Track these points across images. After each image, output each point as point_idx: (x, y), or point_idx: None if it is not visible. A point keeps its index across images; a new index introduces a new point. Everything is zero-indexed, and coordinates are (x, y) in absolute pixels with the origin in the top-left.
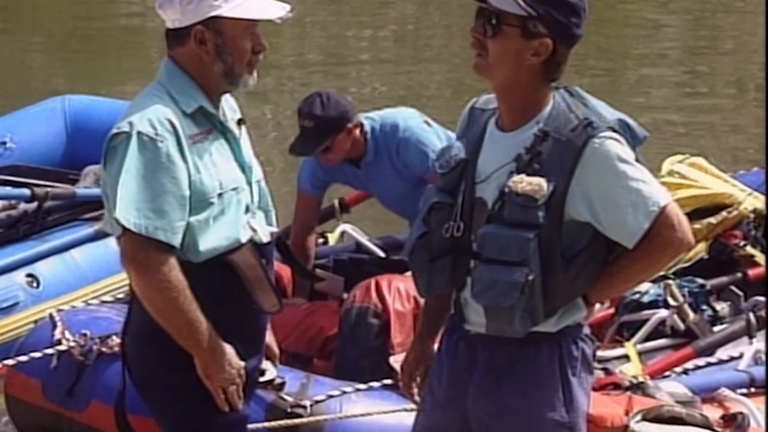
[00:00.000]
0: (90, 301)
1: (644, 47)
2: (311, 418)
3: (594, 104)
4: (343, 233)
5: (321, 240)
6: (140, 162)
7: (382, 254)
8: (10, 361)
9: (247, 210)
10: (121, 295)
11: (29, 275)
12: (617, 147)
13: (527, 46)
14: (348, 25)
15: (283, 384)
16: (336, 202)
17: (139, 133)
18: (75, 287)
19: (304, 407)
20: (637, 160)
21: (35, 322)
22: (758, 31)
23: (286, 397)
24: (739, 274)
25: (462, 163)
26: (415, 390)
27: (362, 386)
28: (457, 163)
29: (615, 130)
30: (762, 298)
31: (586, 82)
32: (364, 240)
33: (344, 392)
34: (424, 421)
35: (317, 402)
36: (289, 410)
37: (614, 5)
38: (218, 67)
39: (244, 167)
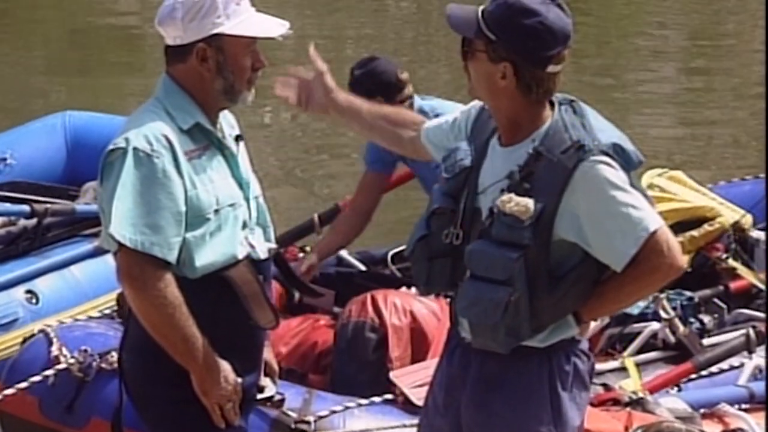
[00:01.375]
0: (78, 317)
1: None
2: None
3: (593, 124)
4: None
5: (301, 254)
6: (136, 178)
7: (363, 268)
8: (10, 390)
9: (245, 226)
10: (107, 311)
11: (28, 291)
12: (607, 171)
13: (494, 69)
14: (347, 40)
15: (282, 401)
16: (316, 216)
17: (135, 149)
18: (74, 304)
19: (308, 423)
20: (631, 184)
21: (24, 338)
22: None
23: (290, 413)
24: (721, 287)
25: (466, 170)
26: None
27: (364, 401)
28: (461, 169)
29: (608, 154)
30: (746, 311)
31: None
32: (344, 254)
33: (347, 407)
34: (426, 423)
35: (321, 417)
36: (293, 426)
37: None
38: (219, 84)
39: (241, 183)
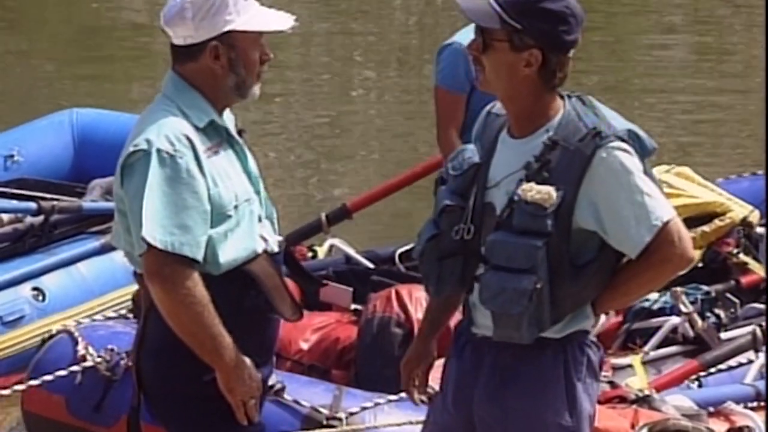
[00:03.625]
0: (95, 317)
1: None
2: (346, 428)
3: (605, 113)
4: (331, 247)
5: (310, 254)
6: (162, 179)
7: (371, 266)
8: (35, 381)
9: (259, 220)
10: (123, 311)
11: (35, 289)
12: (625, 157)
13: (518, 58)
14: (352, 37)
15: (282, 389)
16: (323, 216)
17: (158, 150)
18: (81, 301)
19: (339, 419)
20: (645, 172)
21: (43, 338)
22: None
23: (321, 410)
24: (733, 282)
25: (474, 166)
26: (414, 390)
27: (394, 397)
28: (469, 166)
29: (624, 140)
30: (757, 305)
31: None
32: (353, 253)
33: (377, 404)
34: (434, 422)
35: (351, 414)
36: (324, 422)
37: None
38: (231, 80)
39: (251, 177)
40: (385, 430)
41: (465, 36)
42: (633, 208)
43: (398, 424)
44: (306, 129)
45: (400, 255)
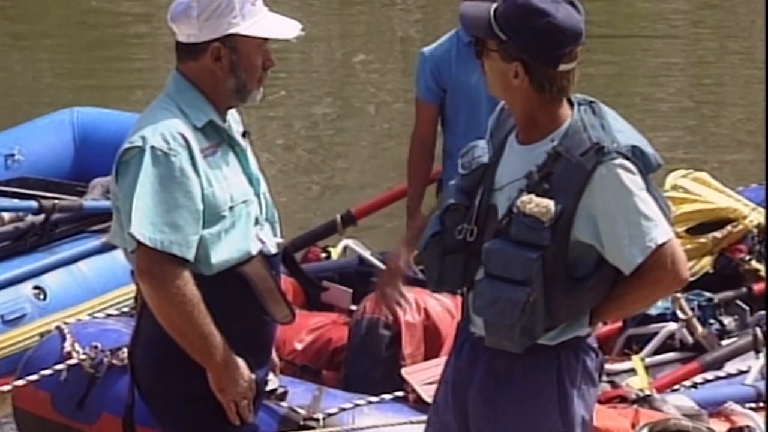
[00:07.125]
0: (96, 315)
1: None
2: (324, 430)
3: (612, 125)
4: (345, 248)
5: (324, 255)
6: (154, 177)
7: (384, 268)
8: (20, 382)
9: (257, 222)
10: (126, 309)
11: (36, 287)
12: (625, 176)
13: (507, 68)
14: (355, 40)
15: (285, 393)
16: (338, 217)
17: (152, 147)
18: (82, 299)
19: (317, 420)
20: (648, 188)
21: (42, 334)
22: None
23: (299, 410)
24: (744, 289)
25: (482, 167)
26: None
27: (374, 399)
28: (478, 166)
29: (627, 157)
30: None
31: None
32: (366, 254)
33: (356, 405)
34: (435, 420)
35: (330, 415)
36: (302, 423)
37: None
38: (231, 83)
39: (251, 179)
40: (362, 431)
41: (435, 45)
42: (628, 228)
43: (377, 426)
44: (307, 130)
45: (415, 257)
